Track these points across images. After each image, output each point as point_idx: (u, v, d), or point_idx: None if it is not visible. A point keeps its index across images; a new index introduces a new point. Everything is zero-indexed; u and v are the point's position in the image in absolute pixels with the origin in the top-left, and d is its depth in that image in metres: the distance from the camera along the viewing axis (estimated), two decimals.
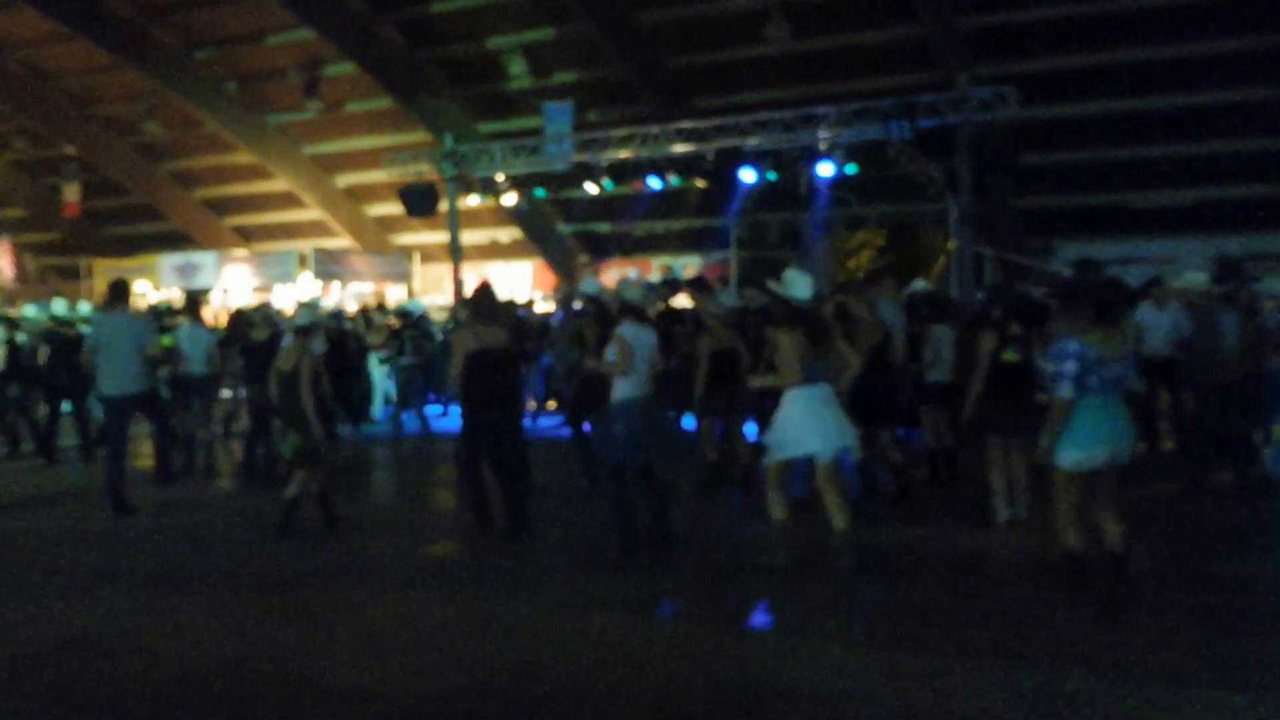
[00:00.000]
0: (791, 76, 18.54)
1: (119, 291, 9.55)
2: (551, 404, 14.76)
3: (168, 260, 24.55)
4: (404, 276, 25.21)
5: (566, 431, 10.51)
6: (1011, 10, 16.78)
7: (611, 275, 20.76)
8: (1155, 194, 18.55)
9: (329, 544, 7.85)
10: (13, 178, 29.57)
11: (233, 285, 23.48)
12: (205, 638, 5.82)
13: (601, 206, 20.72)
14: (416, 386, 13.46)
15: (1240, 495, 8.63)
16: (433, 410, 14.74)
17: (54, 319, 12.75)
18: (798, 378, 6.46)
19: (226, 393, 12.10)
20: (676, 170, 16.48)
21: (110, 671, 5.39)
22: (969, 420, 7.67)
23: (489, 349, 7.82)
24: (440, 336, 15.05)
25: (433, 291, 24.23)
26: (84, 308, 15.31)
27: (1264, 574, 6.61)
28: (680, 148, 16.07)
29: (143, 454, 11.24)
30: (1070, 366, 5.54)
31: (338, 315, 14.89)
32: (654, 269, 21.78)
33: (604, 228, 23.02)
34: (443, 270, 22.80)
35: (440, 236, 22.28)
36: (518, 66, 20.76)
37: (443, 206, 18.75)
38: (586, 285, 11.47)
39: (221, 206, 28.35)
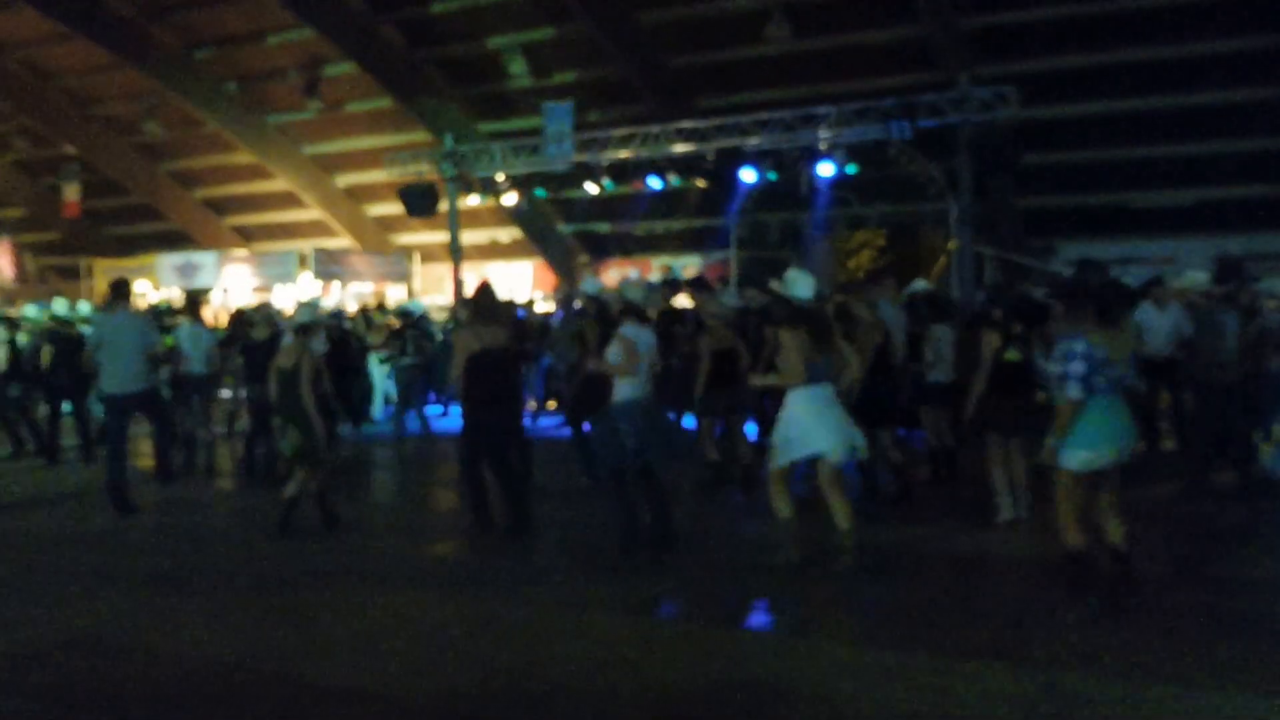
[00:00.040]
0: (792, 76, 18.52)
1: (120, 290, 9.55)
2: (551, 404, 14.75)
3: (168, 260, 24.55)
4: (404, 276, 25.21)
5: (566, 431, 10.52)
6: (1012, 10, 16.77)
7: (612, 275, 20.78)
8: (1155, 194, 18.53)
9: (329, 544, 7.84)
10: (13, 178, 29.55)
11: (233, 285, 23.49)
12: (205, 638, 5.82)
13: (602, 206, 20.73)
14: (417, 387, 13.45)
15: (1240, 495, 8.63)
16: (433, 410, 14.74)
17: (54, 319, 12.76)
18: (801, 378, 6.46)
19: (226, 392, 12.10)
20: (677, 170, 16.48)
21: (110, 671, 5.39)
22: (970, 419, 7.67)
23: (489, 349, 7.84)
24: (441, 336, 15.04)
25: (433, 291, 24.23)
26: (84, 308, 15.31)
27: (1264, 574, 6.60)
28: (680, 148, 16.07)
29: (143, 454, 11.24)
30: (1078, 367, 5.50)
31: (338, 315, 14.88)
32: (654, 269, 21.77)
33: (604, 228, 23.02)
34: (443, 270, 22.81)
35: (440, 236, 22.28)
36: (518, 66, 20.76)
37: (443, 206, 18.77)
38: (588, 285, 11.47)
39: (221, 206, 28.35)
